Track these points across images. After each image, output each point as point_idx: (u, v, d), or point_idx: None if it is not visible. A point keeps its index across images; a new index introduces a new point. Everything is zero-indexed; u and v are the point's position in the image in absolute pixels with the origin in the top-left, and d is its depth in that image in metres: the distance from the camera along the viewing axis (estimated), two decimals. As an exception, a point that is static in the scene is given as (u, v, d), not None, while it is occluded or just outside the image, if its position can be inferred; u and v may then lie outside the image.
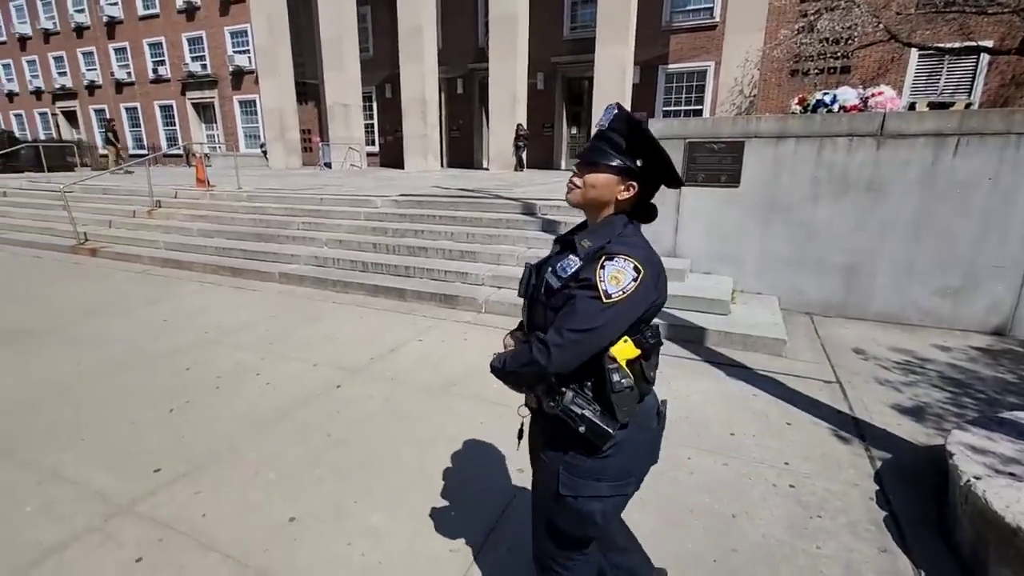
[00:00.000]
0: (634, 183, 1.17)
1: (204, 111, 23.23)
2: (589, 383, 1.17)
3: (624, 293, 1.07)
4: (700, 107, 14.54)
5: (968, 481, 1.90)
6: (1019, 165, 4.06)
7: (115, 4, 23.18)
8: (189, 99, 22.87)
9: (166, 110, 23.72)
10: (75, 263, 7.22)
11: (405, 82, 14.61)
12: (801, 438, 2.77)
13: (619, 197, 1.17)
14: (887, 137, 4.37)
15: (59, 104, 26.70)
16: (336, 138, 16.23)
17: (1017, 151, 4.05)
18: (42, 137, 25.69)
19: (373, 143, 19.31)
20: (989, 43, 10.21)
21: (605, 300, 1.06)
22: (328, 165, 16.77)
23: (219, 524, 2.13)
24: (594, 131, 1.21)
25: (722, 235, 5.08)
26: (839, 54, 11.39)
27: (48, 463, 2.54)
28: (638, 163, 1.15)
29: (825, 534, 2.07)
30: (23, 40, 26.74)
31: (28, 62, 27.06)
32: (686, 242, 5.23)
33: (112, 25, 23.68)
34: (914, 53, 11.32)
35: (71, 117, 26.80)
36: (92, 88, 25.26)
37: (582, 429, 1.14)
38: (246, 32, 20.19)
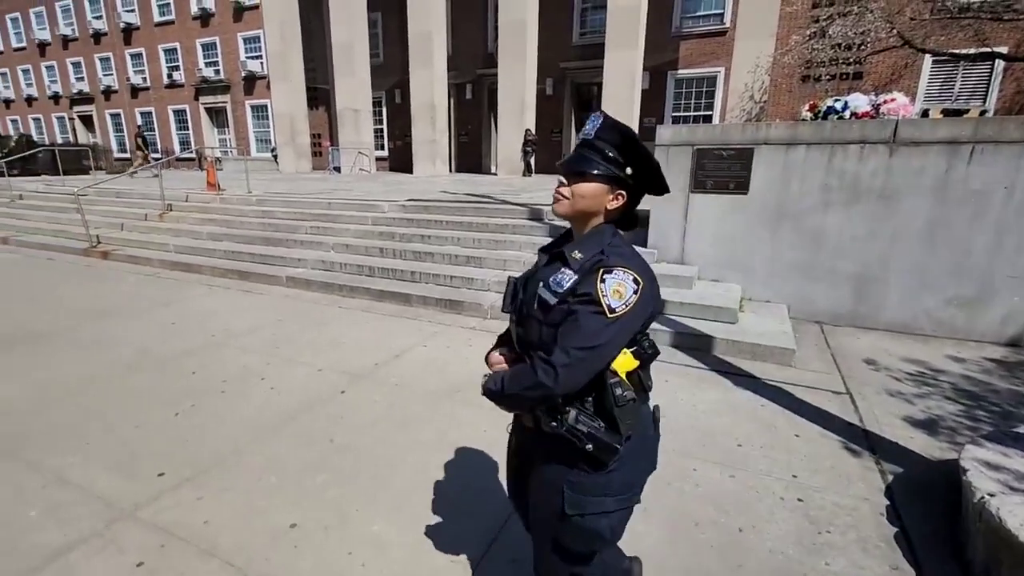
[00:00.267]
0: (623, 192, 1.15)
1: (217, 116, 23.55)
2: (590, 399, 1.14)
3: (628, 307, 1.05)
4: (710, 113, 14.48)
5: (982, 498, 1.85)
6: (1035, 173, 4.00)
7: (132, 11, 23.67)
8: (202, 104, 23.20)
9: (180, 115, 24.09)
10: (87, 265, 7.31)
11: (415, 87, 14.72)
12: (810, 450, 2.72)
13: (608, 207, 1.15)
14: (900, 144, 4.32)
15: (76, 108, 27.22)
16: (346, 143, 16.35)
17: (1033, 159, 3.98)
18: (59, 141, 26.17)
19: (383, 147, 19.45)
20: (1004, 49, 10.10)
21: (609, 315, 1.04)
22: (337, 169, 16.90)
23: (221, 530, 2.12)
24: (577, 140, 1.19)
25: (730, 242, 5.03)
26: (851, 60, 11.29)
27: (53, 465, 2.56)
28: (628, 172, 1.13)
29: (834, 550, 2.02)
30: (43, 46, 27.34)
31: (47, 67, 27.63)
32: (694, 249, 5.19)
33: (129, 31, 24.16)
34: (927, 59, 11.22)
35: (87, 121, 27.32)
36: (108, 93, 25.75)
37: (589, 447, 1.11)
38: (259, 38, 20.50)
